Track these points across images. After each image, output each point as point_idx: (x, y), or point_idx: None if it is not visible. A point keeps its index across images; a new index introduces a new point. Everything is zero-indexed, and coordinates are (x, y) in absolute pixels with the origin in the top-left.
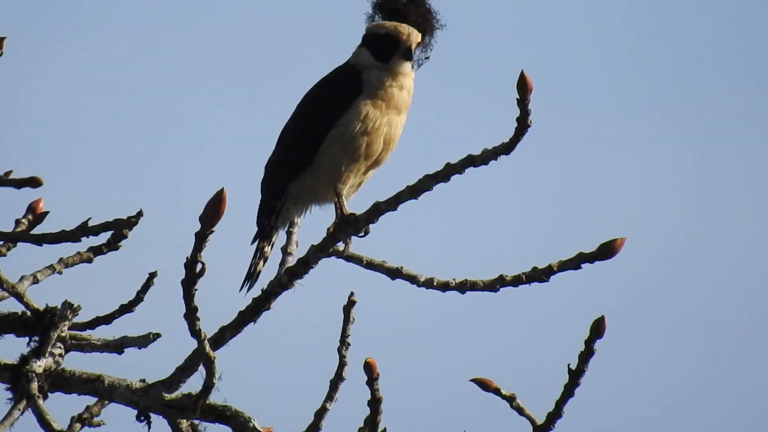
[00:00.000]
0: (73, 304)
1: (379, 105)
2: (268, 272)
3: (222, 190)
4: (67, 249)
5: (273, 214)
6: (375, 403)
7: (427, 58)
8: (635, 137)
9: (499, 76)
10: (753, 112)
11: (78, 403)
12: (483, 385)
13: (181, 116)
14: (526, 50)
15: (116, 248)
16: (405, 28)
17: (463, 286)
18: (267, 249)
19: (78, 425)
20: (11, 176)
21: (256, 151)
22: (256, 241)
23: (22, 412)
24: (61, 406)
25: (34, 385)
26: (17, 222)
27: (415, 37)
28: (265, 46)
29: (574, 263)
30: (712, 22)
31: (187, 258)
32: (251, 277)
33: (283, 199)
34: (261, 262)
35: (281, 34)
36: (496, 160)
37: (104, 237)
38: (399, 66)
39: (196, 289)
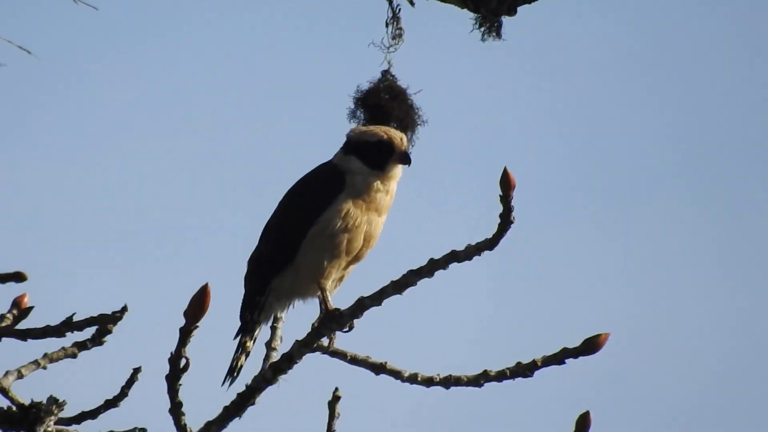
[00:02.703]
0: (58, 399)
1: (360, 205)
2: (252, 367)
3: (206, 285)
4: (52, 344)
5: (256, 309)
6: None
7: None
8: (614, 229)
9: (482, 171)
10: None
11: None
12: None
13: (165, 211)
14: (508, 145)
15: (101, 343)
16: (395, 133)
17: (447, 382)
18: (249, 344)
19: None
20: None
21: (239, 247)
22: (239, 336)
23: None
24: None
25: None
26: (2, 317)
27: (405, 139)
28: (251, 144)
29: (559, 358)
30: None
31: (171, 353)
32: (233, 371)
33: (266, 295)
34: (243, 357)
35: (264, 131)
36: (479, 255)
37: (89, 332)
38: (394, 171)
39: (180, 384)
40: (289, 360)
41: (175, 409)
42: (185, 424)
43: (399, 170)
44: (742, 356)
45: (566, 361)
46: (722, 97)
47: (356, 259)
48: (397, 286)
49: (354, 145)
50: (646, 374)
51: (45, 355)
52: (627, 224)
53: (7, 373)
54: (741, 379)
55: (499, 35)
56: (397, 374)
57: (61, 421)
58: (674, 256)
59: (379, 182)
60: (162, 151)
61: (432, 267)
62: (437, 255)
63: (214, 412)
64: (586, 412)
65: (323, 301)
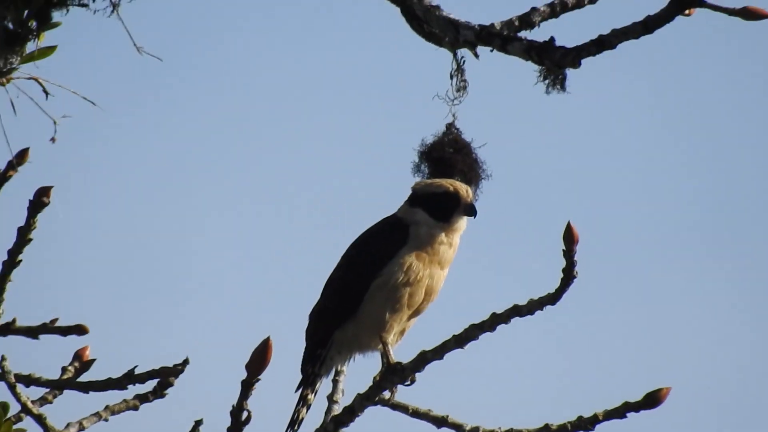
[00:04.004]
0: None
1: (422, 257)
2: (313, 420)
3: (268, 338)
4: (113, 396)
5: (317, 362)
6: None
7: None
8: (680, 284)
9: (545, 226)
10: None
11: None
12: None
13: (226, 264)
14: (572, 199)
15: (162, 396)
16: (461, 185)
17: None
18: (310, 396)
19: None
20: (57, 324)
21: (302, 300)
22: (300, 389)
23: None
24: None
25: None
26: (63, 369)
27: (470, 191)
28: (316, 198)
29: (620, 412)
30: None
31: (233, 406)
32: (294, 424)
33: (328, 348)
34: (304, 410)
35: (330, 186)
36: (541, 310)
37: (150, 384)
38: (459, 223)
39: None
40: (350, 413)
41: None
42: None
43: (464, 222)
44: None
45: (628, 414)
46: None
47: (417, 312)
48: (459, 340)
49: (419, 197)
50: (708, 429)
51: (107, 407)
52: (692, 276)
53: (68, 425)
54: None
55: (563, 87)
56: (458, 428)
57: None
58: (741, 307)
59: (443, 234)
60: (229, 197)
61: (494, 321)
62: (499, 309)
63: None
64: None
65: (385, 354)
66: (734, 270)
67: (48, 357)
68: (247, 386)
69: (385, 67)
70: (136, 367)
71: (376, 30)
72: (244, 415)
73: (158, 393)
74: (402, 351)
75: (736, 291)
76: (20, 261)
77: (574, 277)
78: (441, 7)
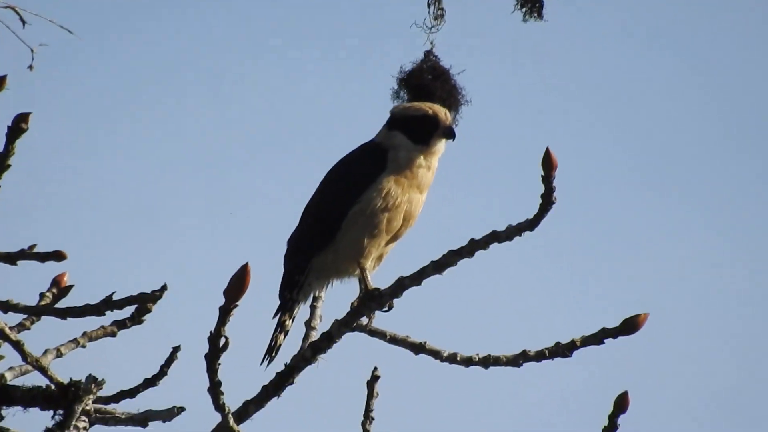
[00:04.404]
0: (97, 378)
1: (401, 182)
2: (291, 346)
3: (246, 264)
4: (91, 323)
5: (295, 289)
6: None
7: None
8: (657, 213)
9: (523, 151)
10: None
11: None
12: None
13: (203, 189)
14: (550, 125)
15: (140, 322)
16: (439, 108)
17: (486, 361)
18: (288, 323)
19: None
20: (35, 250)
21: (279, 225)
22: (278, 315)
23: None
24: None
25: None
26: (41, 296)
27: (449, 114)
28: (292, 124)
29: (597, 339)
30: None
31: (210, 332)
32: (272, 350)
33: (306, 274)
34: (282, 336)
35: (307, 110)
36: (520, 236)
37: (128, 311)
38: (438, 145)
39: (219, 364)
40: (328, 339)
41: (214, 389)
42: (224, 404)
43: (443, 145)
44: None
45: (605, 341)
46: None
47: (395, 237)
48: (438, 267)
49: (398, 121)
50: (684, 355)
51: (84, 334)
52: (665, 205)
53: (46, 352)
54: None
55: (540, 16)
56: (436, 354)
57: (99, 400)
58: (718, 238)
59: (422, 157)
60: (202, 126)
61: (472, 247)
62: (478, 235)
63: (252, 391)
64: (624, 392)
65: (363, 281)
66: (721, 196)
67: (26, 283)
68: (224, 312)
69: None
70: (114, 293)
71: None
72: (222, 341)
73: (136, 319)
74: (380, 277)
75: (720, 217)
76: None
77: (553, 203)
78: None
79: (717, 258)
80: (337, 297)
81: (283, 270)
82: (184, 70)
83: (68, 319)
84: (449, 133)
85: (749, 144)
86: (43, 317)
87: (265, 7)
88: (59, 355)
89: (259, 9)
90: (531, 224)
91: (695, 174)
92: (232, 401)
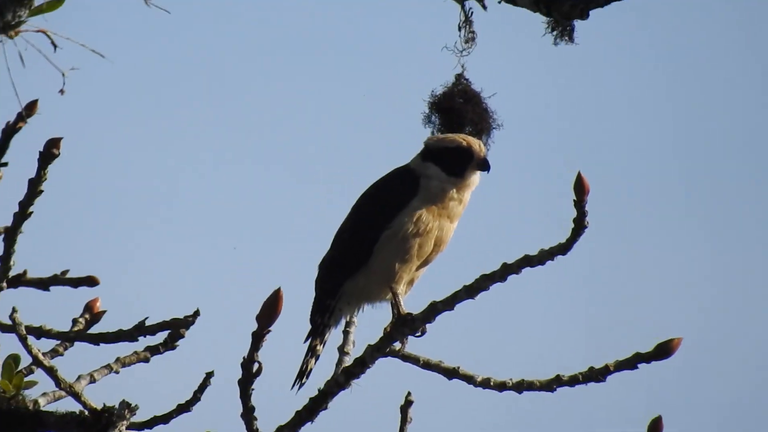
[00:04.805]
0: (130, 404)
1: (432, 210)
2: (324, 371)
3: (279, 289)
4: (124, 348)
5: (326, 313)
6: None
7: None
8: (694, 237)
9: (556, 176)
10: None
11: None
12: None
13: (236, 215)
14: (582, 149)
15: (173, 347)
16: (474, 140)
17: (520, 386)
18: (319, 347)
19: None
20: (68, 275)
21: (311, 250)
22: (309, 340)
23: None
24: None
25: None
26: (74, 321)
27: (483, 146)
28: (326, 148)
29: (631, 363)
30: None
31: (243, 358)
32: (303, 375)
33: (337, 298)
34: (313, 360)
35: (341, 135)
36: (552, 260)
37: (161, 336)
38: (472, 178)
39: (253, 389)
40: (361, 364)
41: (248, 414)
42: (257, 429)
43: (477, 178)
44: None
45: (639, 365)
46: None
47: (426, 262)
48: (470, 291)
49: (432, 152)
50: (719, 378)
51: (117, 360)
52: (701, 227)
53: (79, 377)
54: None
55: (571, 39)
56: (469, 379)
57: (133, 426)
58: (751, 257)
59: (454, 190)
60: (240, 154)
61: (505, 271)
62: (510, 259)
63: (286, 416)
64: (658, 416)
65: (395, 305)
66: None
67: (59, 309)
68: (257, 338)
69: (394, 18)
70: (146, 318)
71: None
72: (255, 366)
73: (169, 345)
74: (413, 302)
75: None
76: (31, 213)
77: (585, 227)
78: None
79: (745, 278)
80: (370, 322)
81: (314, 294)
82: (208, 95)
83: (101, 344)
84: (484, 166)
85: None
86: (75, 343)
87: (287, 44)
88: (92, 380)
89: (276, 46)
90: (563, 248)
91: (731, 195)
92: (266, 426)
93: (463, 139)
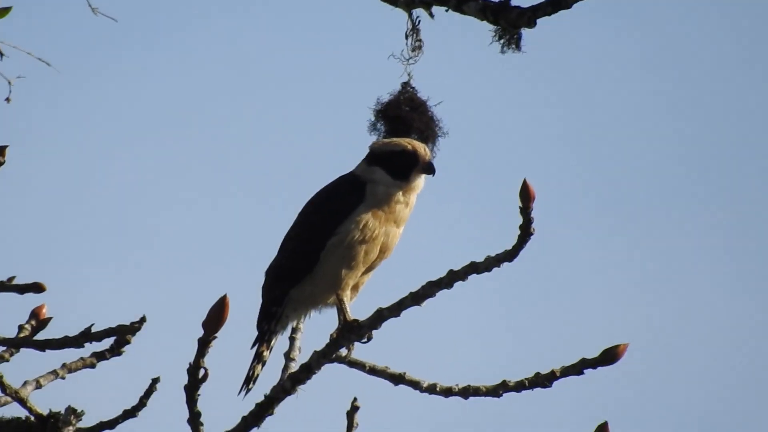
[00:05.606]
0: (76, 410)
1: (378, 216)
2: (271, 377)
3: (225, 296)
4: (71, 354)
5: (273, 320)
6: None
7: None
8: (637, 241)
9: (501, 183)
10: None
11: None
12: None
13: (182, 220)
14: (528, 156)
15: (119, 354)
16: (419, 144)
17: (466, 392)
18: (266, 353)
19: None
20: (14, 282)
21: (257, 256)
22: (255, 346)
23: None
24: None
25: None
26: (20, 327)
27: (428, 150)
28: (270, 156)
29: (577, 369)
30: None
31: (190, 363)
32: (249, 381)
33: (284, 305)
34: (259, 366)
35: (284, 143)
36: (498, 267)
37: (107, 342)
38: (417, 181)
39: (198, 395)
40: (307, 370)
41: (194, 419)
42: None
43: (422, 181)
44: (761, 359)
45: (585, 371)
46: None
47: (370, 268)
48: (416, 298)
49: (377, 156)
50: (663, 383)
51: (63, 365)
52: (641, 233)
53: (25, 383)
54: (760, 384)
55: (518, 47)
56: (415, 384)
57: (79, 431)
58: (689, 261)
59: (400, 193)
60: (182, 159)
61: (451, 278)
62: (456, 266)
63: (232, 422)
64: (604, 422)
65: (342, 312)
66: (678, 217)
67: (4, 315)
68: (203, 344)
69: (339, 26)
70: (92, 325)
71: None
72: (201, 372)
73: (115, 351)
74: (359, 308)
75: (696, 240)
76: None
77: (531, 234)
78: None
79: (698, 286)
80: (316, 328)
81: (261, 301)
82: (168, 116)
83: (47, 351)
84: (429, 169)
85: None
86: (21, 349)
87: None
88: (38, 386)
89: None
90: (510, 255)
91: (679, 200)
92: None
93: (408, 143)
